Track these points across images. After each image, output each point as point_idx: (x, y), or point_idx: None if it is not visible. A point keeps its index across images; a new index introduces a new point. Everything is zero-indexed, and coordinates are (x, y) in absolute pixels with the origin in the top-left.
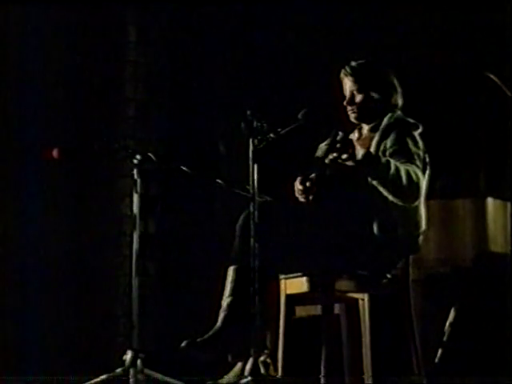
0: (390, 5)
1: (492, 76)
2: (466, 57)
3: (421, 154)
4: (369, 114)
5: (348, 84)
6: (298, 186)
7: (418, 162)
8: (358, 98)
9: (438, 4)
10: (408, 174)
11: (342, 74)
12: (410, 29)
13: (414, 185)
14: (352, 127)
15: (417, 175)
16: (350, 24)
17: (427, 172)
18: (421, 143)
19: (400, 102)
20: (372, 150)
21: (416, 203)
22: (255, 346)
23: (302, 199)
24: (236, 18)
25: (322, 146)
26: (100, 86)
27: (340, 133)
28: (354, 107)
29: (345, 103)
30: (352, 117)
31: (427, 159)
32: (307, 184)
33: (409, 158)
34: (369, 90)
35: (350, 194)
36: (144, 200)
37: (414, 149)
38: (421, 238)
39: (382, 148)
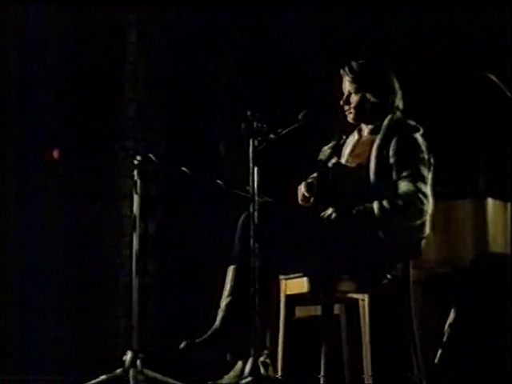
0: (390, 5)
1: (492, 76)
2: (466, 57)
3: (425, 156)
4: (366, 115)
5: (346, 84)
6: (303, 191)
7: (423, 171)
8: (354, 98)
9: (438, 4)
10: (408, 205)
11: (341, 73)
12: (410, 29)
13: (417, 213)
14: (351, 127)
15: (421, 195)
16: (351, 24)
17: (431, 172)
18: (424, 145)
19: (401, 104)
20: (373, 154)
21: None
22: (255, 346)
23: (303, 204)
24: (236, 19)
25: (325, 150)
26: (100, 86)
27: (343, 136)
28: (350, 107)
29: (341, 103)
30: (349, 117)
31: (432, 160)
32: (313, 191)
33: (413, 170)
34: (365, 92)
35: (352, 195)
36: (144, 200)
37: (417, 155)
38: (423, 241)
39: (384, 153)
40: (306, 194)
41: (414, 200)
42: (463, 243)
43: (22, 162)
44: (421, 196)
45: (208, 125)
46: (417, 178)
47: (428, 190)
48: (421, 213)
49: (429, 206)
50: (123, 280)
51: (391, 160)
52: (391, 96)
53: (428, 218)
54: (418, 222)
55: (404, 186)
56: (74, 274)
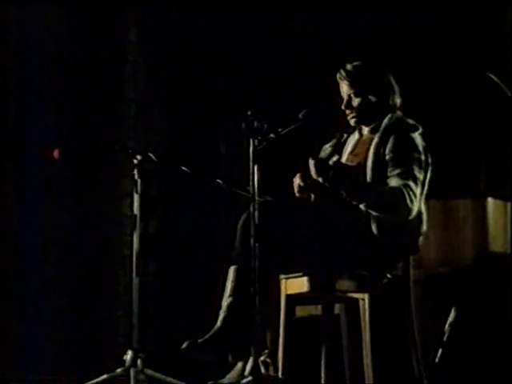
0: (389, 4)
1: (492, 76)
2: (466, 57)
3: (421, 157)
4: (368, 117)
5: (344, 88)
6: (298, 181)
7: (415, 171)
8: (356, 102)
9: (438, 3)
10: (394, 199)
11: (337, 77)
12: (410, 28)
13: (403, 209)
14: (352, 127)
15: (411, 193)
16: (350, 23)
17: (429, 172)
18: (421, 145)
19: (398, 101)
20: (371, 151)
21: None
22: (256, 345)
23: (298, 195)
24: (236, 19)
25: (326, 148)
26: (100, 86)
27: (344, 135)
28: (353, 111)
29: (342, 107)
30: (351, 121)
31: (429, 159)
32: (308, 181)
33: (405, 169)
34: (366, 94)
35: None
36: (144, 200)
37: (412, 154)
38: (421, 238)
39: (381, 151)
40: (301, 184)
41: (402, 195)
42: (463, 243)
43: (22, 162)
44: (410, 194)
45: (208, 125)
46: (408, 176)
47: (418, 190)
48: (408, 210)
49: (417, 205)
50: (123, 280)
51: (387, 157)
52: (391, 94)
53: (424, 216)
54: (406, 218)
55: (394, 183)
56: (74, 273)
